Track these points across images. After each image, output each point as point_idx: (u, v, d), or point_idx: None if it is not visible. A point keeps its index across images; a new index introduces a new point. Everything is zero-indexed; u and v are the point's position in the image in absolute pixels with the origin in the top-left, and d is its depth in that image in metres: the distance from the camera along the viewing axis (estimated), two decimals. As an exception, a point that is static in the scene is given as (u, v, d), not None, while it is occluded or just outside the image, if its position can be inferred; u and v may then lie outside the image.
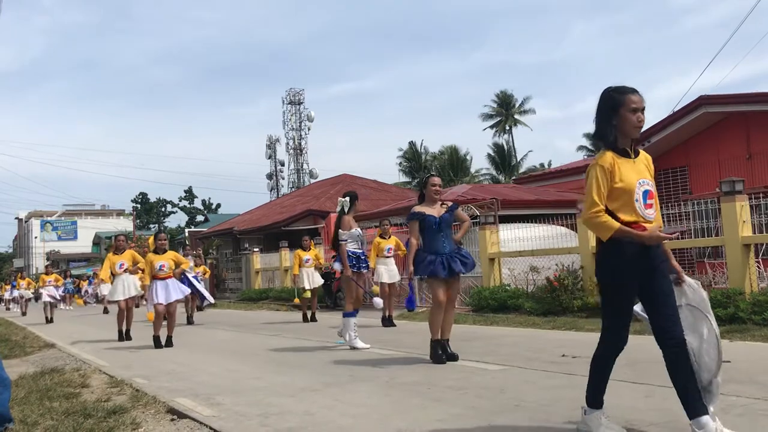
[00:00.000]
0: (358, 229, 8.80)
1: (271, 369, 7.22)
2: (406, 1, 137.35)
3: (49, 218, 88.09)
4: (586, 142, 53.05)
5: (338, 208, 8.89)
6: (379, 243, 12.19)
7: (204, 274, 19.60)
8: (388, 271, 12.00)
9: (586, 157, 44.47)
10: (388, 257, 12.11)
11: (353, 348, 8.34)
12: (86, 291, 30.89)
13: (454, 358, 6.75)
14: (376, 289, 11.18)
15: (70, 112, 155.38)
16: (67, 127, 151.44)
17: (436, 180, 7.23)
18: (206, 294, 12.91)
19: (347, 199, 8.77)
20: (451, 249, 6.87)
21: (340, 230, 8.66)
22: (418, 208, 7.06)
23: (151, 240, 10.59)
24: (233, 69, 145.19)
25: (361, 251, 8.77)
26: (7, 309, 28.02)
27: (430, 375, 6.09)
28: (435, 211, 6.98)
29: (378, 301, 9.03)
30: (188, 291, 11.08)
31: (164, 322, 10.09)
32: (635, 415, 4.15)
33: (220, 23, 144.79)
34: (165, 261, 10.02)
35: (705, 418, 3.38)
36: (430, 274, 6.76)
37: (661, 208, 12.77)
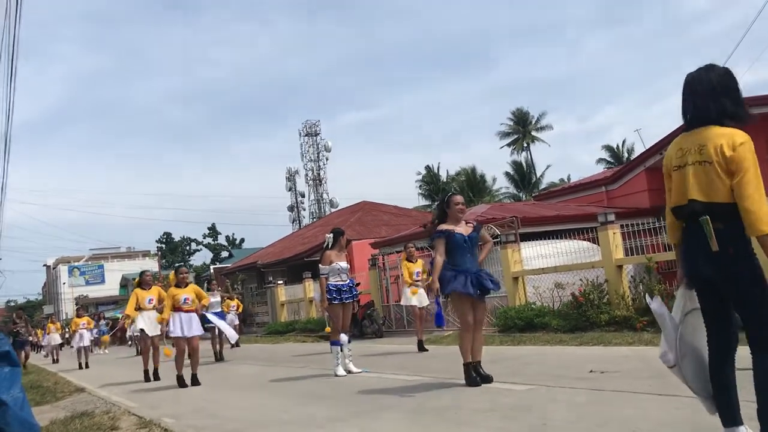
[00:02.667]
0: (340, 263, 9.21)
1: (297, 401, 7.20)
2: (416, 25, 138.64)
3: (76, 263, 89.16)
4: (605, 155, 52.83)
5: (324, 244, 9.46)
6: (408, 267, 12.13)
7: (237, 308, 19.63)
8: (417, 295, 11.92)
9: (605, 169, 44.19)
10: (417, 281, 12.03)
11: (335, 375, 8.85)
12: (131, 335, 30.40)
13: (488, 379, 6.62)
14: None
15: (92, 157, 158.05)
16: (90, 172, 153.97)
17: (459, 198, 7.10)
18: (227, 331, 12.77)
19: (331, 236, 9.34)
20: (477, 269, 6.80)
21: (320, 265, 9.26)
22: (444, 226, 6.93)
23: (172, 275, 10.61)
24: (249, 105, 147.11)
25: (343, 284, 9.18)
26: (46, 356, 27.91)
27: (457, 399, 6.03)
28: (462, 229, 6.89)
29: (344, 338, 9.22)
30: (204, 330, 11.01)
31: (187, 361, 10.08)
32: (664, 429, 4.08)
33: (232, 61, 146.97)
34: (188, 294, 10.04)
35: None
36: (462, 291, 6.59)
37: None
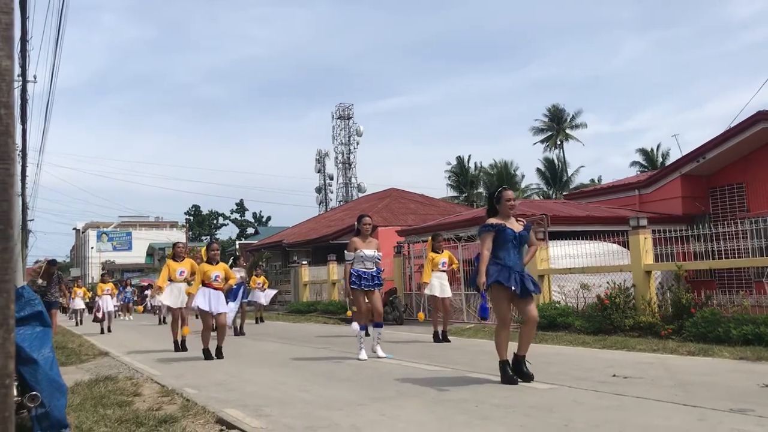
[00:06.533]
0: (364, 251, 9.20)
1: (318, 381, 7.26)
2: (456, 16, 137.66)
3: (105, 229, 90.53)
4: (639, 158, 52.15)
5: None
6: (433, 258, 12.07)
7: (263, 285, 19.81)
8: (441, 286, 11.87)
9: (639, 172, 43.65)
10: (442, 271, 11.99)
11: (358, 359, 9.02)
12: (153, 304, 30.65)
13: (528, 377, 6.40)
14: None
15: (127, 126, 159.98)
16: (124, 141, 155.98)
17: (510, 194, 6.71)
18: (230, 317, 12.87)
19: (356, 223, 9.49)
20: (521, 268, 6.53)
21: (345, 251, 9.42)
22: (494, 220, 6.63)
23: (203, 250, 10.70)
24: (284, 84, 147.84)
25: (365, 271, 9.20)
26: (70, 318, 28.33)
27: (477, 392, 6.03)
28: (512, 225, 6.61)
29: (354, 326, 9.44)
30: (232, 307, 11.12)
31: (213, 333, 10.24)
32: (688, 438, 4.04)
33: (270, 40, 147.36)
34: (219, 271, 10.17)
35: None
36: (505, 283, 6.30)
37: (716, 226, 12.47)
